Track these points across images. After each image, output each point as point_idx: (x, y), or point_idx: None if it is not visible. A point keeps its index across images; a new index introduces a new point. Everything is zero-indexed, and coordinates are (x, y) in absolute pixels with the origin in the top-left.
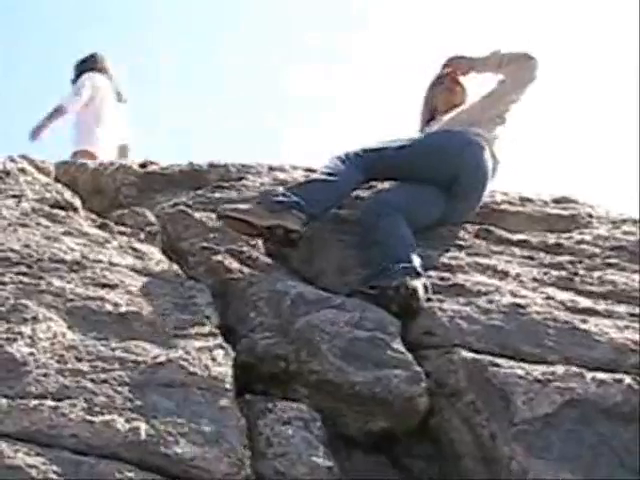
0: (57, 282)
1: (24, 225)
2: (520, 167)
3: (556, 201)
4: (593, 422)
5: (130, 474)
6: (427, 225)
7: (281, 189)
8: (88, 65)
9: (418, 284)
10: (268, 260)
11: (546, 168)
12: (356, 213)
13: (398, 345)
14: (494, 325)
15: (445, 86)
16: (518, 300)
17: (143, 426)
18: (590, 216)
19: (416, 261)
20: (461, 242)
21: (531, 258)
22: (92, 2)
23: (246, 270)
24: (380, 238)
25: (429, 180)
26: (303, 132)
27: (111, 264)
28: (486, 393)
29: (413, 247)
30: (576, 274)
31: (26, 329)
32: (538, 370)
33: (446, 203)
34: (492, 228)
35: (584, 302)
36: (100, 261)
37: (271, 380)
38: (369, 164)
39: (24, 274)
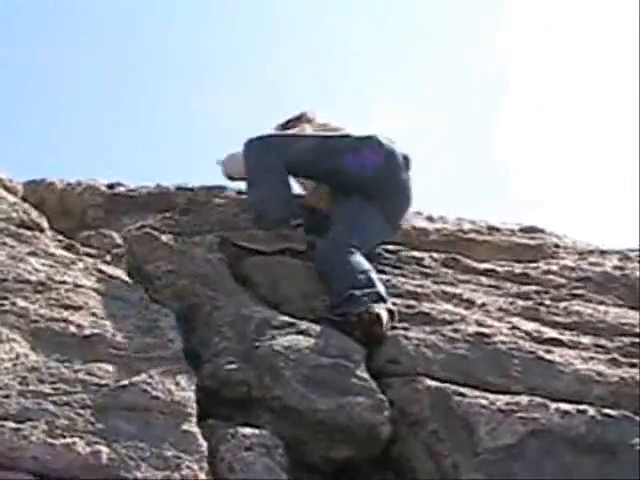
0: (21, 302)
1: None
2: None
3: (523, 230)
4: (556, 453)
5: None
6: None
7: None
8: None
9: (381, 310)
10: (233, 285)
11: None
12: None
13: (362, 373)
14: (459, 354)
15: None
16: (483, 329)
17: (104, 450)
18: (557, 246)
19: (380, 286)
20: (428, 270)
21: (497, 287)
22: None
23: (211, 294)
24: (339, 271)
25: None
26: None
27: (76, 285)
28: (449, 422)
29: (373, 271)
30: (542, 304)
31: None
32: (502, 400)
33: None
34: (459, 257)
35: (549, 332)
36: (65, 282)
37: (234, 405)
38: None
39: None
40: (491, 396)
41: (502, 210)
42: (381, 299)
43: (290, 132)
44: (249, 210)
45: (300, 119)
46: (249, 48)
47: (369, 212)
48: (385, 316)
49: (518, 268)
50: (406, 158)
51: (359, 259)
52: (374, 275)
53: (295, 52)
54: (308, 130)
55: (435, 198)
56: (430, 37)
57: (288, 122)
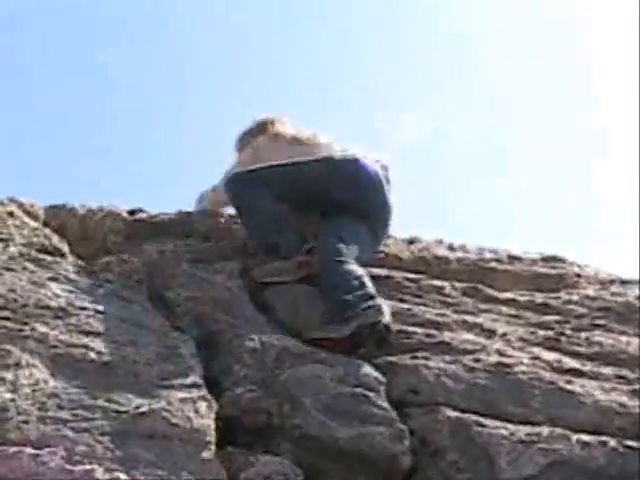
0: (41, 328)
1: (10, 269)
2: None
3: (544, 260)
4: None
5: None
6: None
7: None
8: None
9: (386, 315)
10: (254, 312)
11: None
12: None
13: (382, 402)
14: (479, 384)
15: None
16: (504, 359)
17: (123, 477)
18: (578, 276)
19: (371, 288)
20: (448, 299)
21: (518, 317)
22: None
23: (232, 321)
24: (334, 279)
25: None
26: None
27: (96, 312)
28: (469, 452)
29: (365, 276)
30: (563, 334)
31: (8, 375)
32: (522, 431)
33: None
34: (480, 286)
35: (570, 363)
36: (85, 308)
37: (254, 433)
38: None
39: (8, 319)
40: (512, 427)
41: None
42: (371, 298)
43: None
44: (251, 242)
45: (264, 125)
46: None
47: (354, 226)
48: (389, 316)
49: (539, 298)
50: (385, 168)
51: (351, 266)
52: (366, 279)
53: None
54: (284, 150)
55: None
56: None
57: (251, 130)
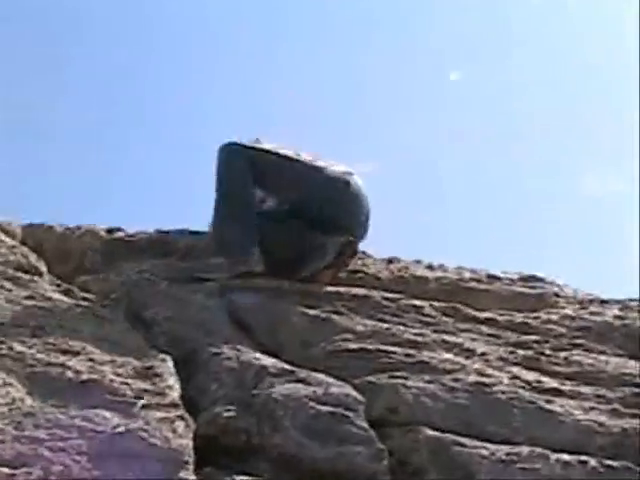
0: (18, 347)
1: None
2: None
3: (523, 280)
4: None
5: None
6: None
7: None
8: None
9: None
10: (232, 331)
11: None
12: None
13: (361, 422)
14: (459, 404)
15: None
16: (484, 379)
17: None
18: (557, 295)
19: None
20: (428, 319)
21: (498, 337)
22: None
23: (209, 341)
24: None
25: None
26: None
27: (74, 330)
28: (449, 473)
29: None
30: (542, 354)
31: None
32: (502, 450)
33: None
34: (459, 306)
35: (550, 382)
36: (63, 327)
37: (232, 453)
38: None
39: None
40: (491, 446)
41: None
42: None
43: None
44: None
45: None
46: None
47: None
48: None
49: (518, 317)
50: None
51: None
52: None
53: None
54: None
55: None
56: None
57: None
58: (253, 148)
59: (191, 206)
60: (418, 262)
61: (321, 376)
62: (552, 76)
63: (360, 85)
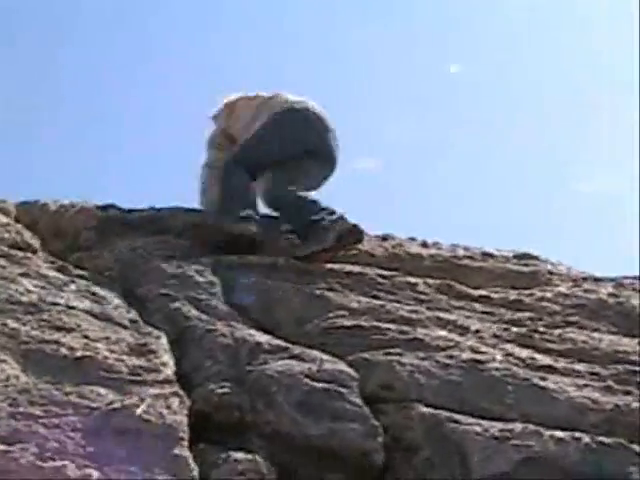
0: (13, 324)
1: None
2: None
3: (517, 257)
4: None
5: None
6: None
7: None
8: None
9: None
10: (226, 308)
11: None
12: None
13: (355, 398)
14: (453, 380)
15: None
16: (477, 356)
17: (95, 473)
18: (551, 273)
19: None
20: (422, 296)
21: (491, 314)
22: None
23: (204, 317)
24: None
25: None
26: None
27: (68, 307)
28: (443, 449)
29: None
30: (536, 331)
31: None
32: (496, 427)
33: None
34: (453, 283)
35: (543, 359)
36: (57, 304)
37: (226, 430)
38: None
39: None
40: (485, 423)
41: None
42: (334, 212)
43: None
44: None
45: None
46: None
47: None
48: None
49: (512, 295)
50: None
51: (302, 193)
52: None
53: None
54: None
55: None
56: None
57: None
58: (239, 150)
59: (184, 185)
60: (412, 239)
61: (315, 352)
62: (554, 70)
63: (360, 80)
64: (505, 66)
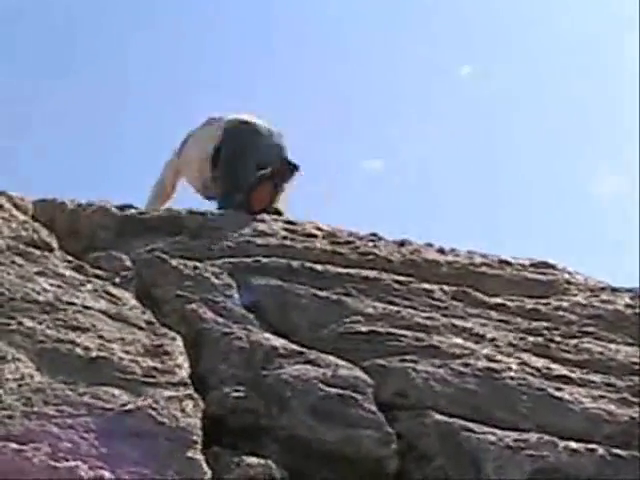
0: (28, 323)
1: None
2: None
3: (534, 266)
4: None
5: None
6: None
7: None
8: None
9: None
10: (243, 311)
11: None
12: None
13: (370, 405)
14: (468, 389)
15: None
16: (493, 365)
17: (107, 475)
18: (568, 283)
19: None
20: (438, 303)
21: (507, 322)
22: None
23: (220, 320)
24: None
25: None
26: None
27: (84, 307)
28: (457, 458)
29: None
30: (552, 341)
31: None
32: (510, 437)
33: None
34: (469, 290)
35: (559, 370)
36: (73, 304)
37: (240, 434)
38: None
39: None
40: (499, 432)
41: None
42: None
43: None
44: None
45: None
46: None
47: None
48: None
49: (529, 303)
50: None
51: None
52: None
53: None
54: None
55: None
56: None
57: None
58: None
59: None
60: (429, 245)
61: (330, 358)
62: (566, 73)
63: (365, 81)
64: (516, 68)
